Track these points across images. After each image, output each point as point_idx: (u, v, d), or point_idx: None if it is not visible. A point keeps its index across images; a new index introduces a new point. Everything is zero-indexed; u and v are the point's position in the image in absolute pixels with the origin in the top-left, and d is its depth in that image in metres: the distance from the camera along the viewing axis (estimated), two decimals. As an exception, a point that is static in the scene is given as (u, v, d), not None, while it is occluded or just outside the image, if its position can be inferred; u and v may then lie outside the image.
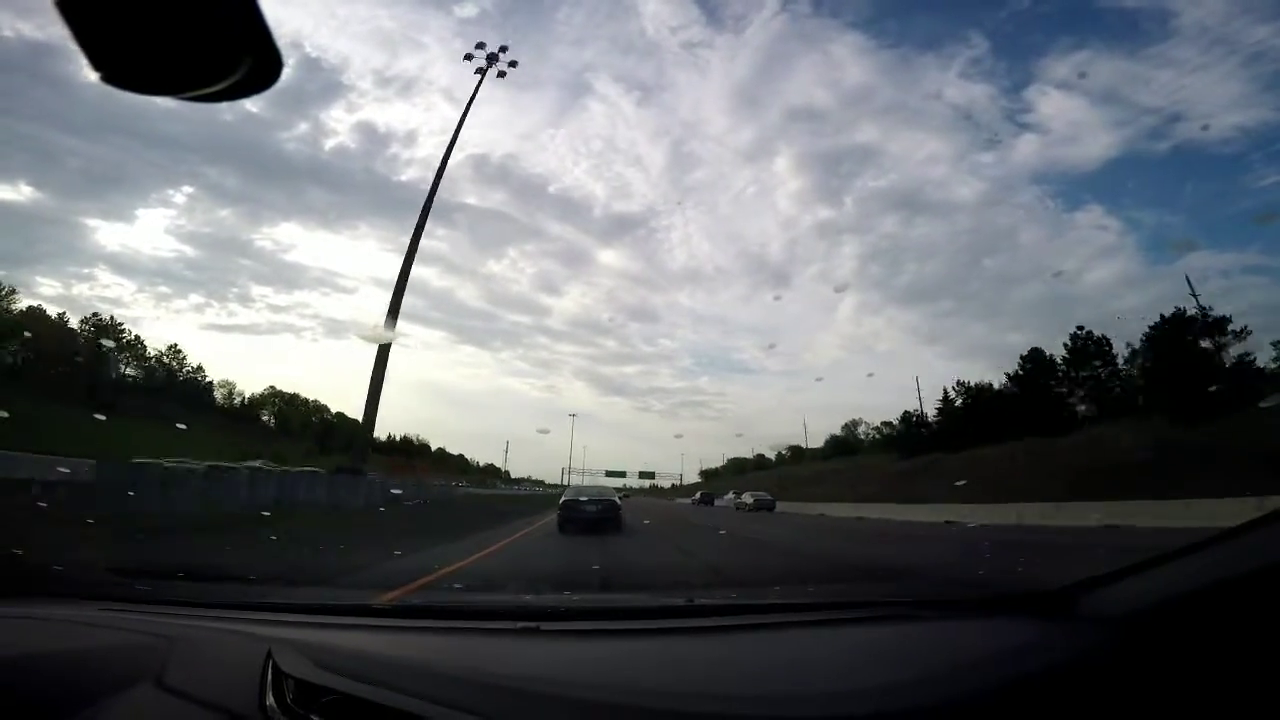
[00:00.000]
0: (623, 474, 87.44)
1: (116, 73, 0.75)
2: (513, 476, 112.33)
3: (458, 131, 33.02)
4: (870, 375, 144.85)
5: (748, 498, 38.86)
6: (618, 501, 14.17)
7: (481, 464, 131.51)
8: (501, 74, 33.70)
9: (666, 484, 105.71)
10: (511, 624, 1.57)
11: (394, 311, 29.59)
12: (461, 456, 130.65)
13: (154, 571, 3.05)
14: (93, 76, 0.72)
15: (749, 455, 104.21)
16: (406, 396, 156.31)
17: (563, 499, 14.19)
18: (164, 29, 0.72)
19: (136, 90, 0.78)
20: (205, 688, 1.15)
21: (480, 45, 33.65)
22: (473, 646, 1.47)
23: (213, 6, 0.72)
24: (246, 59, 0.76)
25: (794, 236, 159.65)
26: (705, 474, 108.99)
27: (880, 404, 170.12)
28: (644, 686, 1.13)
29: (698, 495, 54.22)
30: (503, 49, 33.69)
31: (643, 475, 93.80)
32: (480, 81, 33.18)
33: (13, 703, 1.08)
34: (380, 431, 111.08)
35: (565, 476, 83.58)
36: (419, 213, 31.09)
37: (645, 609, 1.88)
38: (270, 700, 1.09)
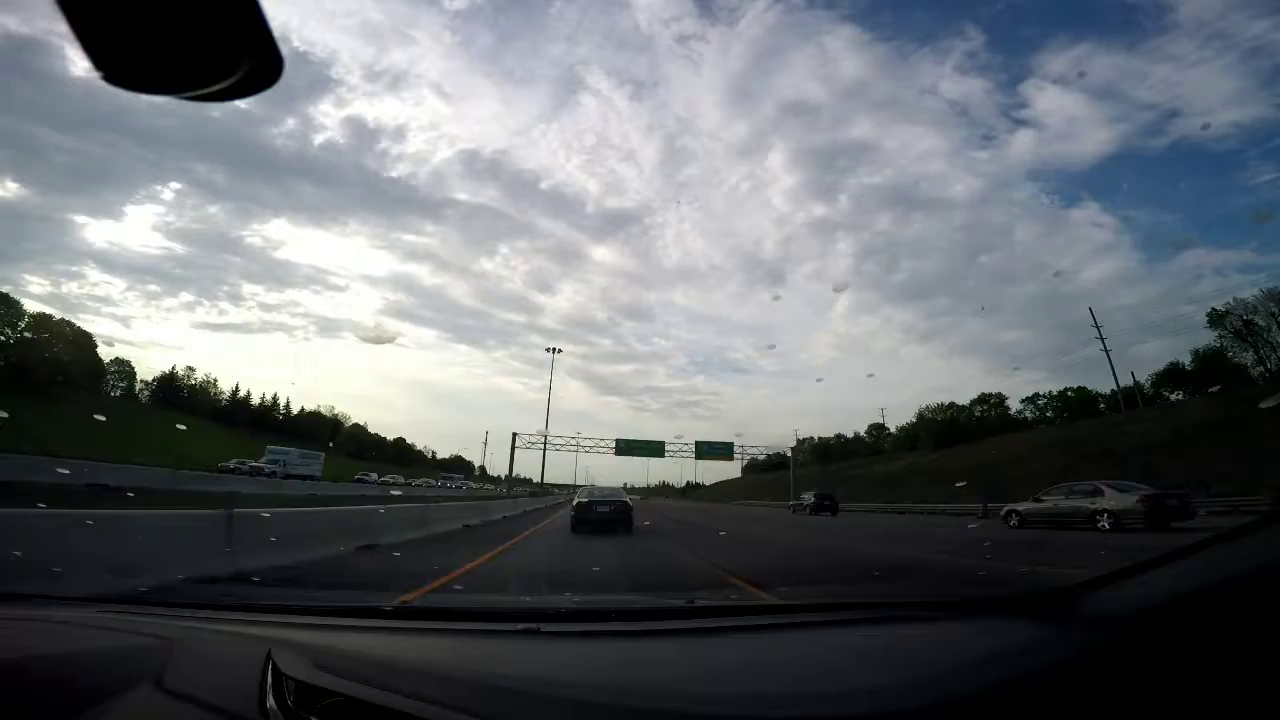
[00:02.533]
0: (660, 448, 54.12)
1: (118, 72, 0.75)
2: (489, 474, 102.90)
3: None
4: (870, 375, 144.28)
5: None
6: (630, 503, 15.31)
7: (440, 456, 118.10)
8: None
9: (678, 479, 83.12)
10: (512, 625, 1.58)
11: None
12: (401, 440, 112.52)
13: (151, 572, 3.03)
14: (95, 75, 0.72)
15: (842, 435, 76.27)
16: (399, 395, 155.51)
17: (576, 500, 15.30)
18: (165, 28, 0.72)
19: (138, 90, 0.78)
20: (205, 689, 1.14)
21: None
22: (473, 648, 1.47)
23: (214, 6, 0.71)
24: (247, 59, 0.76)
25: (789, 234, 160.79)
26: (751, 468, 79.78)
27: (876, 403, 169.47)
28: (645, 688, 1.13)
29: (808, 498, 33.87)
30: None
31: (704, 453, 54.94)
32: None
33: (12, 704, 1.07)
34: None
35: (513, 464, 54.72)
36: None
37: (645, 610, 1.88)
38: (270, 702, 1.08)
